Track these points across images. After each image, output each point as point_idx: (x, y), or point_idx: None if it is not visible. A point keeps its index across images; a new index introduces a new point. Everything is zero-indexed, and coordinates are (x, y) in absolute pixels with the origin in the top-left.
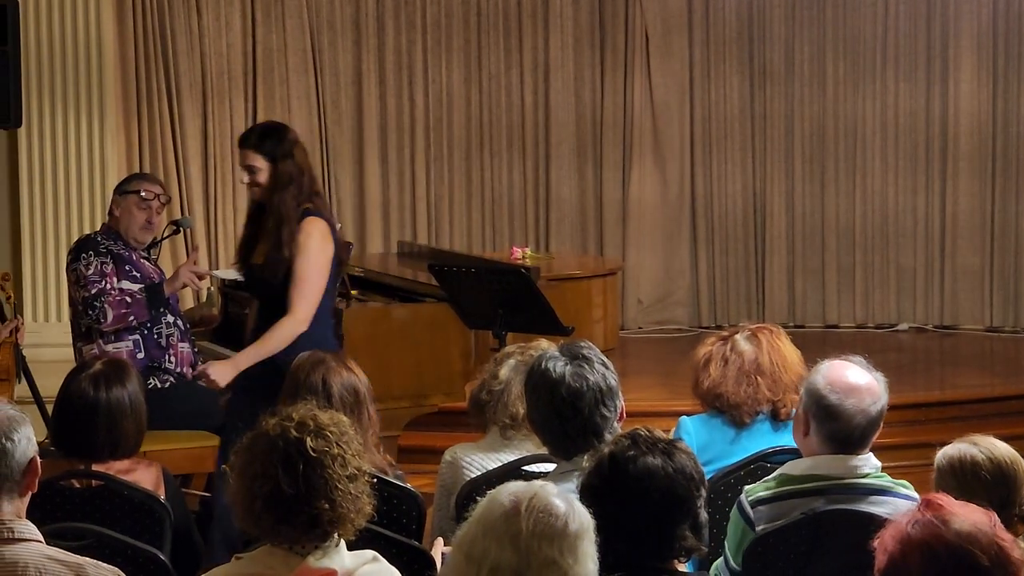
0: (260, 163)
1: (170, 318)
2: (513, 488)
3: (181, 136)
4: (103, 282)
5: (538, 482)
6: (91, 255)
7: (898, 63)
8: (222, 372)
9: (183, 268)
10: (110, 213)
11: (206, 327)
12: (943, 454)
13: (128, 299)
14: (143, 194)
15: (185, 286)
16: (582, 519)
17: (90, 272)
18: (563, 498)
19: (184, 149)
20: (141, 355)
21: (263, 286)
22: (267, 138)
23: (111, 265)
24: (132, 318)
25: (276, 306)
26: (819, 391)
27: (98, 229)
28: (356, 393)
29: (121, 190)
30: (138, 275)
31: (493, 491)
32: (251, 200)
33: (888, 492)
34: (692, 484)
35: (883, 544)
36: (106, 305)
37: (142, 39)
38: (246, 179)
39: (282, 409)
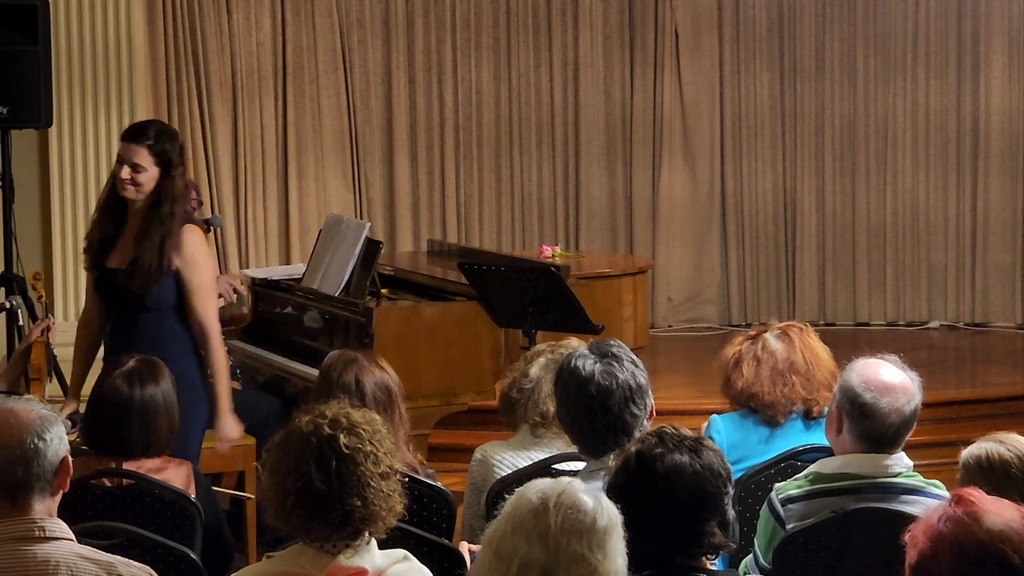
0: (149, 164)
1: None
2: (541, 485)
3: (211, 135)
4: None
5: (566, 479)
6: None
7: (929, 60)
8: (233, 427)
9: (221, 279)
10: None
11: (236, 326)
12: (968, 453)
13: None
14: None
15: (220, 296)
16: (610, 515)
17: None
18: (591, 494)
19: (214, 148)
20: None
21: (123, 293)
22: (163, 140)
23: None
24: None
25: (133, 314)
26: (854, 389)
27: None
28: (389, 392)
29: None
30: None
31: (521, 488)
32: (111, 196)
33: (920, 492)
34: (720, 481)
35: (914, 539)
36: None
37: (172, 38)
38: (126, 175)
39: (314, 407)
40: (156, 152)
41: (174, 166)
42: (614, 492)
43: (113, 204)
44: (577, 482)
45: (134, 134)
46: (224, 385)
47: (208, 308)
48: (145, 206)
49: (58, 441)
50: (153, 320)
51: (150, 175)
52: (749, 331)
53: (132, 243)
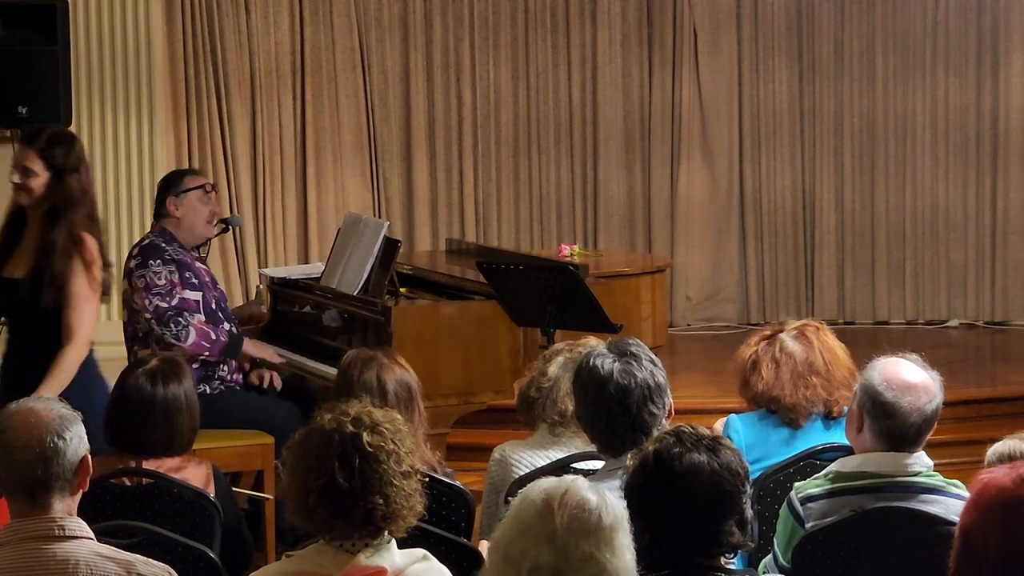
0: (39, 169)
1: (226, 325)
2: (544, 485)
3: (230, 134)
4: (175, 292)
5: (568, 477)
6: (159, 263)
7: (948, 58)
8: None
9: (274, 355)
10: (164, 215)
11: (255, 325)
12: (993, 451)
13: (212, 335)
14: (206, 188)
15: (260, 367)
16: (615, 511)
17: (163, 282)
18: (595, 491)
19: (233, 147)
20: (196, 364)
21: (22, 304)
22: (56, 145)
23: (176, 274)
24: (207, 353)
25: (33, 326)
26: (875, 388)
27: (152, 231)
28: (410, 390)
29: (178, 191)
30: (196, 282)
31: (524, 490)
32: (12, 204)
33: (940, 491)
34: (738, 480)
35: (967, 509)
36: (191, 327)
37: (191, 37)
38: (16, 179)
39: (336, 405)
40: (46, 156)
41: (67, 171)
42: (632, 491)
43: (15, 211)
44: (580, 480)
45: (28, 138)
46: (47, 387)
47: (80, 319)
48: (42, 213)
49: (78, 440)
50: (57, 334)
51: (40, 180)
52: (764, 331)
53: (32, 251)
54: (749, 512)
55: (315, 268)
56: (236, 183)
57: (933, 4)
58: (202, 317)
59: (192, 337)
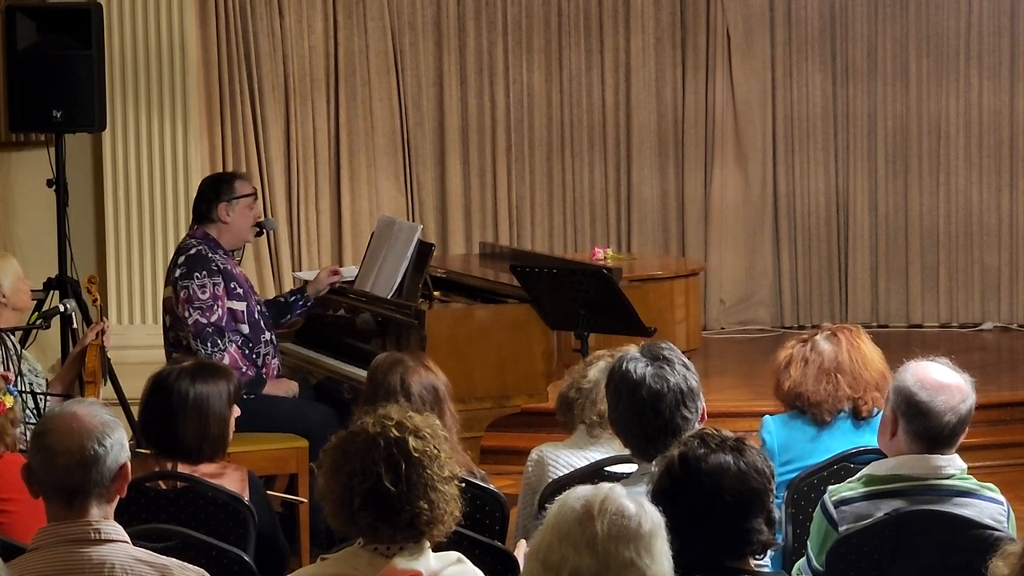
0: None
1: (267, 335)
2: (581, 492)
3: (264, 138)
4: (216, 306)
5: (605, 484)
6: (204, 275)
7: (981, 60)
8: None
9: (323, 273)
10: (211, 219)
11: (289, 329)
12: None
13: (242, 368)
14: (256, 196)
15: (330, 286)
16: (653, 518)
17: (205, 296)
18: (632, 499)
19: (267, 151)
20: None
21: None
22: None
23: (222, 285)
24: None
25: None
26: (909, 389)
27: (195, 235)
28: (435, 392)
29: (231, 197)
30: (240, 291)
31: (561, 497)
32: None
33: (973, 494)
34: (764, 478)
35: None
36: (227, 355)
37: (225, 42)
38: None
39: (378, 409)
40: None
41: None
42: (660, 496)
43: None
44: (618, 487)
45: None
46: None
47: None
48: None
49: (118, 448)
50: None
51: None
52: (802, 334)
53: None
54: (776, 510)
55: (349, 271)
56: (270, 187)
57: (966, 7)
58: (238, 343)
59: (226, 361)
